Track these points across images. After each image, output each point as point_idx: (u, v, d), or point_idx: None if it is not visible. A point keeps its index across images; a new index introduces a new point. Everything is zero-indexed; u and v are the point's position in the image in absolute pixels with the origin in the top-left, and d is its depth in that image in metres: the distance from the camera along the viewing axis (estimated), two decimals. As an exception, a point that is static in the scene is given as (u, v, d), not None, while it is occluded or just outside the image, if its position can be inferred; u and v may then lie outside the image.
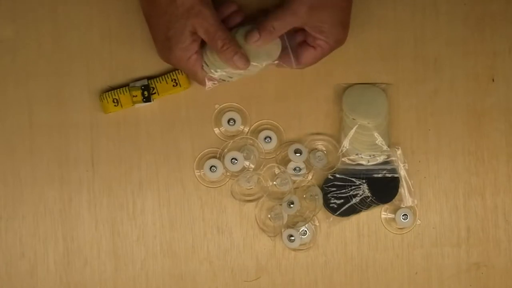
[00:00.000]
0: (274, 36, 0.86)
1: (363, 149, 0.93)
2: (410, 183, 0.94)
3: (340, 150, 0.93)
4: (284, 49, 0.88)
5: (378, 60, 0.95)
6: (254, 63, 0.87)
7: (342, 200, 0.93)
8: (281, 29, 0.86)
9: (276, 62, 0.89)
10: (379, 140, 0.93)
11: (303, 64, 0.90)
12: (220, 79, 0.89)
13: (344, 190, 0.93)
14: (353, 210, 0.93)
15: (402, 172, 0.94)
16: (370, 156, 0.93)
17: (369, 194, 0.93)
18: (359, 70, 0.95)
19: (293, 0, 0.85)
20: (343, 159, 0.94)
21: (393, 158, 0.94)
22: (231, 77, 0.89)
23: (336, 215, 0.93)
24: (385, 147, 0.93)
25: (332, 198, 0.93)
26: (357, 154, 0.93)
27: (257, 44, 0.86)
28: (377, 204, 0.93)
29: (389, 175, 0.93)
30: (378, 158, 0.93)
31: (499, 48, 0.96)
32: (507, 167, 0.95)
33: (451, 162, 0.95)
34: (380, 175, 0.93)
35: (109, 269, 0.93)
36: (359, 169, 0.94)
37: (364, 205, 0.93)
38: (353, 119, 0.92)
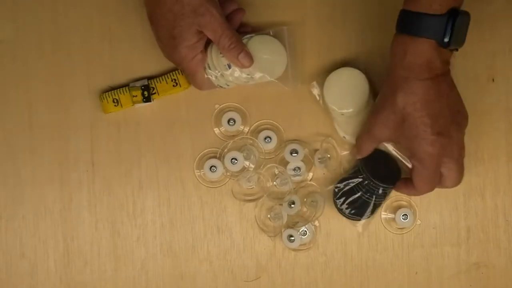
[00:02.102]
0: (367, 151, 0.89)
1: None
2: (398, 153, 0.92)
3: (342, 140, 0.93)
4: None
5: (378, 60, 0.95)
6: (257, 75, 0.88)
7: (357, 203, 0.92)
8: (367, 143, 0.89)
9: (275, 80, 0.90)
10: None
11: (416, 190, 0.87)
12: (218, 85, 0.90)
13: (357, 195, 0.92)
14: (375, 206, 0.92)
15: (390, 147, 0.92)
16: None
17: (377, 187, 0.92)
18: (359, 70, 0.95)
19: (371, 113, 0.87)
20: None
21: None
22: (228, 85, 0.90)
23: (364, 219, 0.92)
24: None
25: (347, 206, 0.92)
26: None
27: (355, 156, 0.91)
28: (388, 188, 0.91)
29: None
30: None
31: (499, 48, 0.96)
32: (507, 167, 0.95)
33: (451, 162, 0.95)
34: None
35: (109, 269, 0.93)
36: (356, 168, 0.93)
37: (380, 196, 0.92)
38: (342, 114, 0.91)
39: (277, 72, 0.90)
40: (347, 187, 0.92)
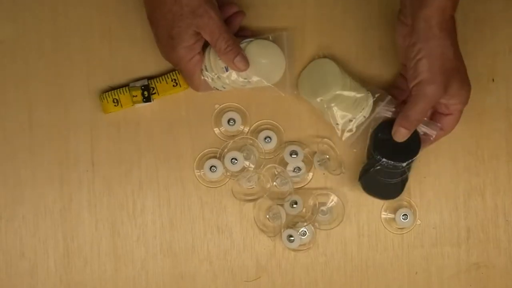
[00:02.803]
0: (418, 124, 0.87)
1: (352, 111, 0.91)
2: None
3: (339, 133, 0.92)
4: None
5: (379, 60, 0.95)
6: (254, 79, 0.89)
7: (387, 187, 0.92)
8: (423, 117, 0.87)
9: (271, 85, 0.90)
10: (355, 94, 0.91)
11: (448, 131, 0.90)
12: (214, 87, 0.90)
13: (385, 181, 0.91)
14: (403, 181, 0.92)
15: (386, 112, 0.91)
16: (361, 111, 0.91)
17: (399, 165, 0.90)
18: (359, 70, 0.95)
19: (420, 85, 0.84)
20: (345, 137, 0.92)
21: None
22: (224, 87, 0.91)
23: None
24: (364, 94, 0.91)
25: (377, 194, 0.92)
26: (350, 120, 0.92)
27: (405, 139, 0.87)
28: (411, 160, 0.90)
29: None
30: (366, 108, 0.91)
31: (499, 48, 0.96)
32: (507, 167, 0.95)
33: (451, 162, 0.95)
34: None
35: (109, 269, 0.93)
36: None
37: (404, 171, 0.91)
38: (321, 99, 0.91)
39: (275, 78, 0.89)
40: (371, 177, 0.92)
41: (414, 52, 0.84)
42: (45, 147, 0.93)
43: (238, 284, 0.94)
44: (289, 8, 0.95)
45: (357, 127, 0.92)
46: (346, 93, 0.90)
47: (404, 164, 0.89)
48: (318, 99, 0.91)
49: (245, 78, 0.89)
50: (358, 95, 0.91)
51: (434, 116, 0.90)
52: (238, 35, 0.91)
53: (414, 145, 0.89)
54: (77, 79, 0.94)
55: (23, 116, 0.93)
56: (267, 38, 0.90)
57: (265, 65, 0.89)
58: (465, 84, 0.87)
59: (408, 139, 0.88)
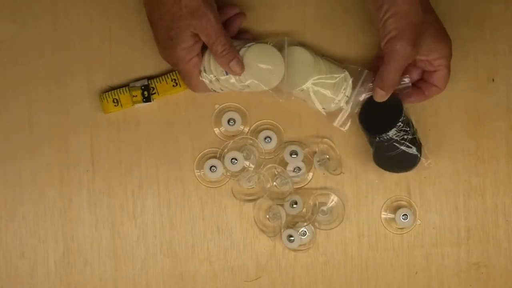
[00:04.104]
0: (394, 83, 0.86)
1: (333, 93, 0.90)
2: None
3: (338, 121, 0.92)
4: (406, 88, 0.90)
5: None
6: (252, 84, 0.89)
7: (401, 157, 0.91)
8: (397, 76, 0.86)
9: (270, 90, 0.90)
10: (332, 76, 0.90)
11: (441, 88, 0.89)
12: (212, 89, 0.90)
13: (394, 150, 0.91)
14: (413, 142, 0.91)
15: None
16: (342, 91, 0.90)
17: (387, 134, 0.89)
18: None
19: (389, 43, 0.83)
20: (334, 121, 0.92)
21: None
22: (222, 90, 0.91)
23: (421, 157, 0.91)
24: (342, 74, 0.90)
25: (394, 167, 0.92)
26: (335, 103, 0.91)
27: (384, 99, 0.87)
28: (398, 124, 0.89)
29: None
30: (347, 87, 0.91)
31: (499, 48, 0.96)
32: (507, 167, 0.95)
33: (451, 162, 0.95)
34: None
35: (109, 269, 0.93)
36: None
37: (407, 134, 0.90)
38: (301, 89, 0.91)
39: (273, 83, 0.89)
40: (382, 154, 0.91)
41: (382, 13, 0.84)
42: (45, 147, 0.93)
43: (238, 284, 0.94)
44: (289, 8, 0.95)
45: (342, 108, 0.91)
46: (323, 77, 0.90)
47: (390, 133, 0.89)
48: (298, 89, 0.90)
49: (243, 82, 0.89)
50: (336, 76, 0.90)
51: (424, 75, 0.90)
52: (238, 37, 0.91)
53: (396, 108, 0.89)
54: (77, 79, 0.94)
55: (23, 116, 0.93)
56: (267, 43, 0.90)
57: (263, 69, 0.89)
58: (442, 37, 0.86)
59: (387, 105, 0.88)
